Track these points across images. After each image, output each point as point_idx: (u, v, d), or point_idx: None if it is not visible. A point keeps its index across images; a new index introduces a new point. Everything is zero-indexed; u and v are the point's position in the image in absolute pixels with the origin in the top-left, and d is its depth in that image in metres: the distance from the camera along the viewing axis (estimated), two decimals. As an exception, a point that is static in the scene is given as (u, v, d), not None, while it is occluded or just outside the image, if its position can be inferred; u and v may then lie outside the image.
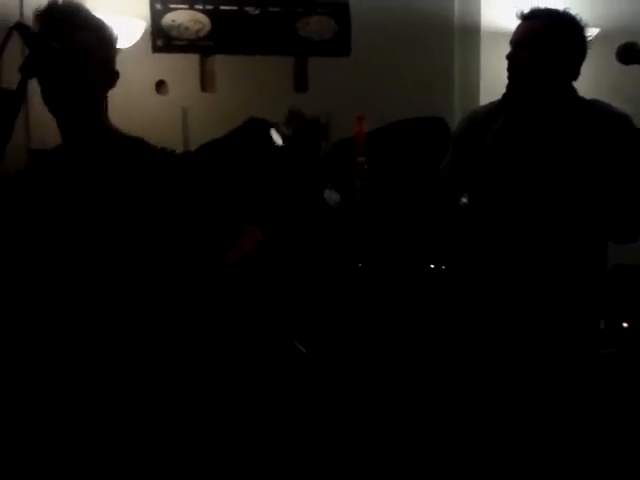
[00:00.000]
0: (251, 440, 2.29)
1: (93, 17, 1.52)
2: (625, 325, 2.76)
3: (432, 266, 2.73)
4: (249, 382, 2.34)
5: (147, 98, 3.28)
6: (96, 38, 1.50)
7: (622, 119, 1.93)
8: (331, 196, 1.62)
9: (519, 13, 1.97)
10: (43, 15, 1.46)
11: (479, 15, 3.58)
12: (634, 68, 1.89)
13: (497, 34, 3.46)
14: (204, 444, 1.65)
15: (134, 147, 1.58)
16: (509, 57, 1.96)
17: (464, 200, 2.23)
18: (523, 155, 1.95)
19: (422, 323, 2.65)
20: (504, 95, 2.00)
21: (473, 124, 2.09)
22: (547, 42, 1.89)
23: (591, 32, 2.01)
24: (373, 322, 2.70)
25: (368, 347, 2.65)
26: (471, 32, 3.62)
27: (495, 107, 2.05)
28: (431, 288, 2.68)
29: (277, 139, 1.57)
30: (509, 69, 1.96)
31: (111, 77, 1.56)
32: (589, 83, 2.05)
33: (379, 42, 3.51)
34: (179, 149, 1.99)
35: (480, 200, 2.07)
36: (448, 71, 3.67)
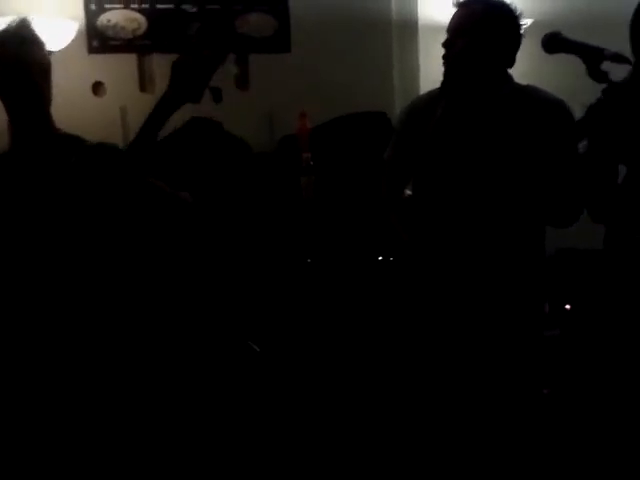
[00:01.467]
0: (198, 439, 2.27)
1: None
2: (568, 307, 2.83)
3: (380, 258, 2.75)
4: (200, 381, 2.32)
5: (84, 100, 3.21)
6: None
7: (557, 104, 1.96)
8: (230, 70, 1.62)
9: (455, 1, 1.97)
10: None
11: (416, 10, 3.62)
12: (562, 59, 1.94)
13: (434, 28, 3.50)
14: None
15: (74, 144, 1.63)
16: (446, 44, 1.94)
17: (408, 192, 2.25)
18: (463, 142, 1.96)
19: (373, 315, 2.67)
20: (442, 83, 2.00)
21: (413, 113, 2.10)
22: (485, 28, 1.90)
23: (525, 22, 2.04)
24: (324, 317, 2.71)
25: (321, 342, 2.66)
26: (409, 27, 3.66)
27: (434, 96, 2.05)
28: (380, 280, 2.70)
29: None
30: (446, 56, 1.95)
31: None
32: (521, 73, 2.07)
33: (319, 38, 3.51)
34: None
35: (423, 188, 2.08)
36: (388, 66, 3.70)
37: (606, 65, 1.82)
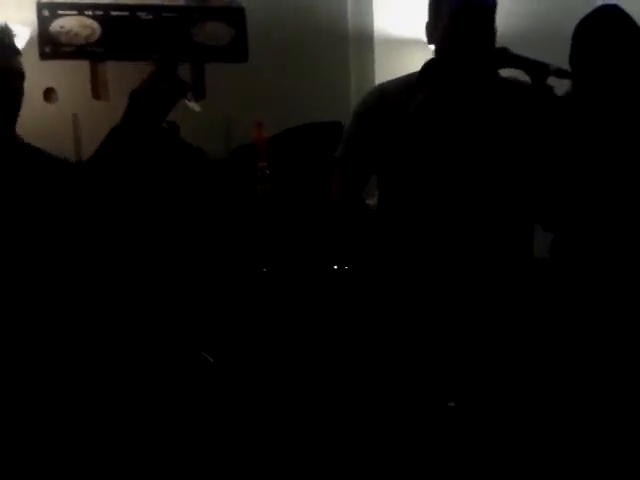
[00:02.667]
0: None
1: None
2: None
3: (335, 267, 2.75)
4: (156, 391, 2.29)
5: (35, 107, 3.14)
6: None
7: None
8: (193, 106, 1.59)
9: None
10: None
11: (372, 23, 3.66)
12: (509, 74, 1.96)
13: (390, 41, 3.57)
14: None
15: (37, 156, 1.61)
16: (456, 17, 1.80)
17: (370, 202, 2.15)
18: (452, 129, 1.85)
19: (328, 324, 2.67)
20: (426, 68, 1.91)
21: (384, 99, 1.95)
22: (483, 12, 1.84)
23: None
24: (280, 326, 2.70)
25: (275, 351, 2.65)
26: (365, 40, 3.69)
27: (409, 82, 1.94)
28: (336, 289, 2.70)
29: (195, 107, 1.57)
30: (449, 33, 1.83)
31: None
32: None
33: (276, 48, 3.52)
34: (71, 158, 1.95)
35: (400, 185, 1.92)
36: (344, 76, 3.72)
37: (551, 80, 1.86)
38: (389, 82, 2.08)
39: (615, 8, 2.13)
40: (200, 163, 3.06)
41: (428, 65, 1.94)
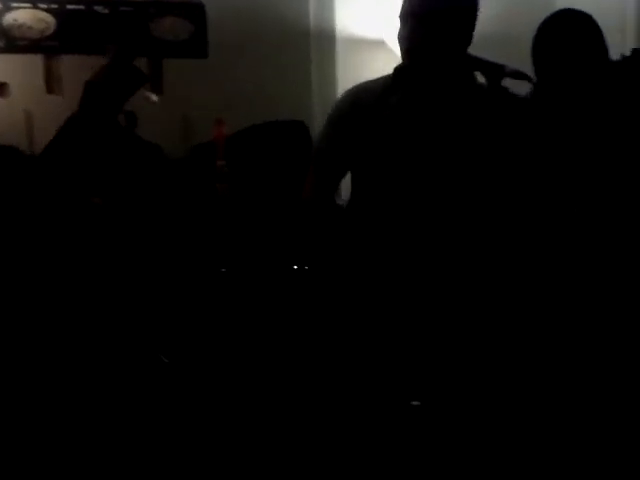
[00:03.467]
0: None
1: None
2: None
3: (295, 267, 2.72)
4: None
5: (-14, 101, 3.07)
6: None
7: (522, 98, 1.92)
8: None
9: None
10: None
11: (334, 21, 3.66)
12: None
13: (352, 40, 3.57)
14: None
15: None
16: (409, 29, 1.81)
17: (342, 199, 2.14)
18: (425, 132, 1.84)
19: (287, 324, 2.64)
20: (400, 70, 1.89)
21: (357, 104, 1.94)
22: (448, 12, 1.82)
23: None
24: (239, 326, 2.66)
25: (235, 350, 2.61)
26: (326, 38, 3.68)
27: (382, 85, 1.92)
28: (296, 289, 2.68)
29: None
30: (410, 41, 1.83)
31: None
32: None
33: (236, 45, 3.48)
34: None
35: (372, 183, 1.91)
36: (306, 75, 3.71)
37: (508, 82, 1.86)
38: (361, 85, 2.07)
39: (575, 11, 2.15)
40: (156, 159, 3.01)
41: (401, 68, 1.93)
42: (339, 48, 3.62)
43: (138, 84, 1.50)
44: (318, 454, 2.16)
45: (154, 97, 1.47)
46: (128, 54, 1.53)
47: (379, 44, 3.01)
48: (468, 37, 1.87)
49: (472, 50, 1.92)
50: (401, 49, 1.90)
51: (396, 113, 1.87)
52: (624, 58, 2.03)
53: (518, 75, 1.74)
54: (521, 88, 1.99)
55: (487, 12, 3.32)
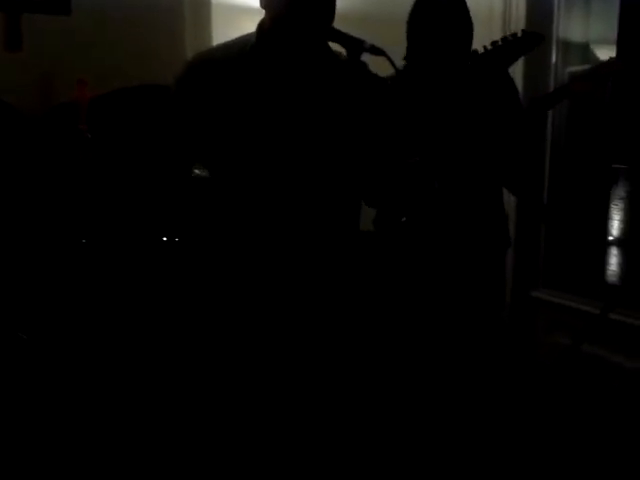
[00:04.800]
0: None
1: None
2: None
3: (165, 239, 2.63)
4: None
5: None
6: None
7: None
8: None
9: None
10: None
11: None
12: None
13: (228, 8, 3.50)
14: None
15: None
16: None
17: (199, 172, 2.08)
18: (285, 100, 1.80)
19: (158, 299, 2.56)
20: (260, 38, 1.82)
21: (211, 70, 1.83)
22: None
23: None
24: (102, 301, 2.55)
25: (96, 327, 2.51)
26: (201, 3, 3.60)
27: (239, 50, 1.84)
28: (166, 262, 2.60)
29: None
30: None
31: None
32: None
33: (105, 5, 3.29)
34: None
35: (236, 149, 1.83)
36: (179, 40, 3.59)
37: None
38: (215, 50, 1.96)
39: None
40: (8, 119, 2.79)
41: (261, 35, 1.86)
42: (214, 14, 3.57)
43: None
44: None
45: None
46: None
47: (255, 11, 2.93)
48: (331, 10, 1.81)
49: (347, 28, 1.91)
50: (266, 14, 1.85)
51: (254, 83, 1.81)
52: (504, 40, 2.08)
53: (375, 50, 1.74)
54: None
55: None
